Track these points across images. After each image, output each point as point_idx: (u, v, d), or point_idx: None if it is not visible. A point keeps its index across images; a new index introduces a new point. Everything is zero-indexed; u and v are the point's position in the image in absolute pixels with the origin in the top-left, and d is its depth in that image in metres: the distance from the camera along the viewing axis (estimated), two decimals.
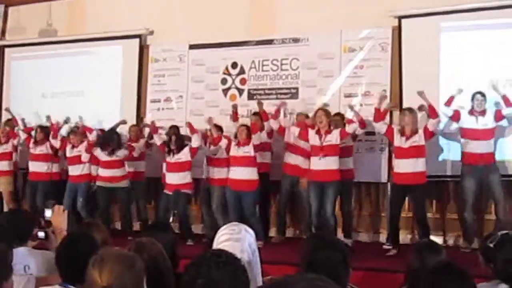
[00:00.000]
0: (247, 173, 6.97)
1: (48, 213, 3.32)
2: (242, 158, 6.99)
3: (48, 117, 8.45)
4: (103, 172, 7.80)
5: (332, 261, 2.49)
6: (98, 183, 7.85)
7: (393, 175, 6.77)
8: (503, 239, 3.20)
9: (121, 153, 7.77)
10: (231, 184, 7.07)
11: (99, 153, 7.83)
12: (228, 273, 1.83)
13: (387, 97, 7.14)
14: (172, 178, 7.33)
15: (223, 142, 7.21)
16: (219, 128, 7.49)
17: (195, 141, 7.27)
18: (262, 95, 8.12)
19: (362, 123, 6.73)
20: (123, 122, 8.39)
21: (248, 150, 6.97)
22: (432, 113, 6.46)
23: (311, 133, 6.75)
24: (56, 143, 8.24)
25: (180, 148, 7.33)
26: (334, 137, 6.65)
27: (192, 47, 8.60)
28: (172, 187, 7.33)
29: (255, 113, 7.63)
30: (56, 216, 3.31)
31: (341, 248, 2.62)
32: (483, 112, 6.53)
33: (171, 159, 7.36)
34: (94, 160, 8.00)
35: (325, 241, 2.73)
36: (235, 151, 7.06)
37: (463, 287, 2.49)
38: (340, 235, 6.85)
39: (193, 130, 7.37)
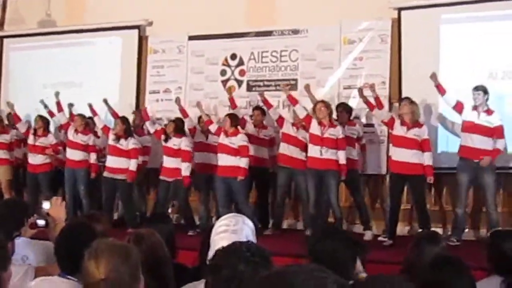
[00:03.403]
0: (234, 161, 6.99)
1: (46, 205, 3.33)
2: (226, 147, 7.04)
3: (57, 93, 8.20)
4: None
5: (335, 252, 2.50)
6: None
7: (390, 163, 6.79)
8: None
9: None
10: (219, 171, 7.10)
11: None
12: (255, 268, 1.80)
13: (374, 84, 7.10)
14: (170, 164, 7.36)
15: (213, 127, 7.31)
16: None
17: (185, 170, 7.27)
18: (261, 86, 8.11)
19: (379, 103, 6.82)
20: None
21: (234, 142, 7.01)
22: (441, 90, 6.51)
23: (314, 122, 6.79)
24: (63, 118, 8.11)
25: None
26: (338, 132, 6.70)
27: (191, 38, 8.58)
28: (170, 174, 7.33)
29: (256, 107, 7.65)
30: (54, 207, 3.32)
31: (345, 238, 2.62)
32: (489, 111, 6.35)
33: (167, 144, 7.40)
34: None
35: (328, 232, 2.73)
36: (222, 139, 7.11)
37: (461, 279, 2.49)
38: (359, 228, 7.05)
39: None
